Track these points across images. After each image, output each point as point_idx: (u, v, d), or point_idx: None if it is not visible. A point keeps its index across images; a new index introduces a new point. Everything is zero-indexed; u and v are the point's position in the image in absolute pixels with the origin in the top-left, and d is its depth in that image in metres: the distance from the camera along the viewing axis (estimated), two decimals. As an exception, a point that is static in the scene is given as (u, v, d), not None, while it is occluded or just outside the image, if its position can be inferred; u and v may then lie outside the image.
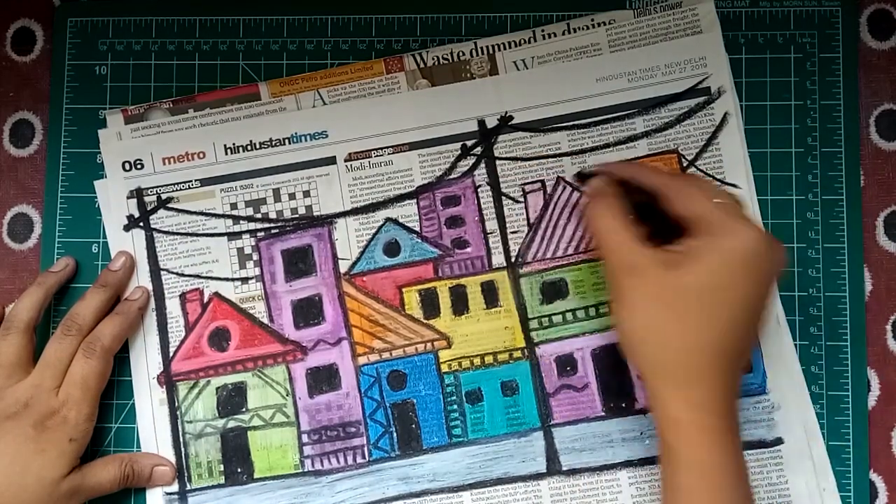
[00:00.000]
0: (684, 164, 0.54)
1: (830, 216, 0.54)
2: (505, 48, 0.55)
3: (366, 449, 0.53)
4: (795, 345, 0.53)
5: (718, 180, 0.54)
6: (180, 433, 0.53)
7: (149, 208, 0.55)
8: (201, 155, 0.55)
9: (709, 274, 0.42)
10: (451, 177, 0.55)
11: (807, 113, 0.55)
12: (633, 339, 0.44)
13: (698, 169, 0.54)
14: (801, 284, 0.54)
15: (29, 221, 0.56)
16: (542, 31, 0.55)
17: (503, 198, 0.55)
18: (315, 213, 0.55)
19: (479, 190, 0.55)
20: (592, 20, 0.55)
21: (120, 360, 0.54)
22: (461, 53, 0.55)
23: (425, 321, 0.54)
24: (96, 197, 0.55)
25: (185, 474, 0.53)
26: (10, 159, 0.56)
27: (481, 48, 0.55)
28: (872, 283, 0.54)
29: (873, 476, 0.53)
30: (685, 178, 0.46)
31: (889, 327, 0.54)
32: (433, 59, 0.55)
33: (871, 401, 0.54)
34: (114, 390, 0.54)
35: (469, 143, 0.55)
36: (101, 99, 0.56)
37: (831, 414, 0.53)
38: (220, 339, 0.54)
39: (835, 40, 0.55)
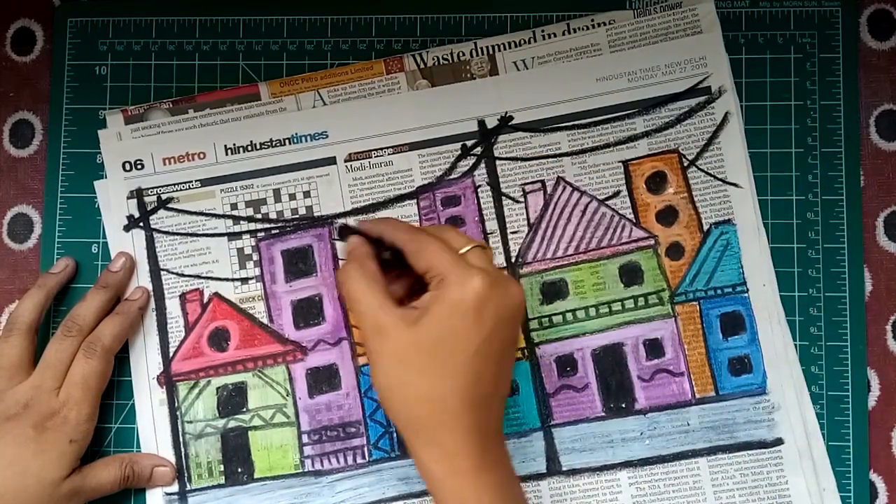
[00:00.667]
0: (685, 164, 0.54)
1: (830, 216, 0.54)
2: (505, 48, 0.55)
3: (366, 449, 0.53)
4: (795, 345, 0.53)
5: (720, 180, 0.54)
6: (180, 433, 0.54)
7: (149, 208, 0.55)
8: (201, 155, 0.55)
9: (439, 326, 0.43)
10: (452, 177, 0.55)
11: (807, 113, 0.55)
12: (383, 398, 0.45)
13: (699, 168, 0.54)
14: (801, 284, 0.54)
15: (29, 221, 0.56)
16: (542, 31, 0.55)
17: (503, 198, 0.55)
18: (315, 214, 0.55)
19: (479, 190, 0.55)
20: (592, 20, 0.55)
21: (120, 361, 0.54)
22: (461, 54, 0.55)
23: (425, 321, 0.54)
24: (96, 197, 0.55)
25: (186, 474, 0.53)
26: (10, 159, 0.57)
27: (481, 48, 0.55)
28: (872, 283, 0.54)
29: (873, 476, 0.53)
30: (428, 232, 0.46)
31: (889, 327, 0.54)
32: (433, 59, 0.55)
33: (871, 401, 0.54)
34: (114, 390, 0.54)
35: (469, 143, 0.55)
36: (101, 99, 0.56)
37: (831, 414, 0.53)
38: (219, 339, 0.54)
39: (835, 40, 0.55)
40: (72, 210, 0.55)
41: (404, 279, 0.47)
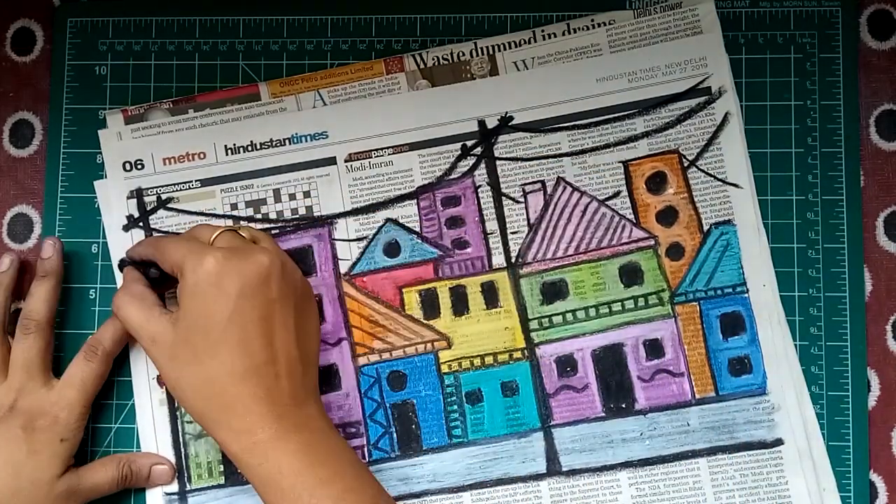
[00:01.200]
0: (685, 164, 0.54)
1: (830, 216, 0.54)
2: (505, 48, 0.55)
3: (366, 449, 0.53)
4: (795, 345, 0.53)
5: (720, 180, 0.54)
6: (180, 433, 0.53)
7: (148, 208, 0.55)
8: (202, 155, 0.55)
9: (187, 314, 0.46)
10: (452, 177, 0.55)
11: (807, 113, 0.55)
12: (176, 398, 0.47)
13: (699, 169, 0.54)
14: (801, 285, 0.54)
15: (29, 221, 0.56)
16: (543, 31, 0.55)
17: (503, 198, 0.55)
18: (315, 214, 0.55)
19: (479, 190, 0.55)
20: (592, 20, 0.55)
21: (119, 361, 0.53)
22: (461, 54, 0.55)
23: (425, 321, 0.54)
24: (96, 197, 0.55)
25: (185, 474, 0.53)
26: (10, 159, 0.56)
27: (481, 48, 0.55)
28: (872, 284, 0.54)
29: (873, 476, 0.53)
30: (174, 236, 0.50)
31: (889, 327, 0.54)
32: (433, 59, 0.55)
33: (871, 401, 0.54)
34: (113, 390, 0.54)
35: (469, 143, 0.55)
36: (101, 99, 0.56)
37: (831, 414, 0.53)
38: (220, 339, 0.54)
39: (835, 40, 0.55)
40: (72, 210, 0.55)
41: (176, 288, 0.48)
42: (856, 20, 0.55)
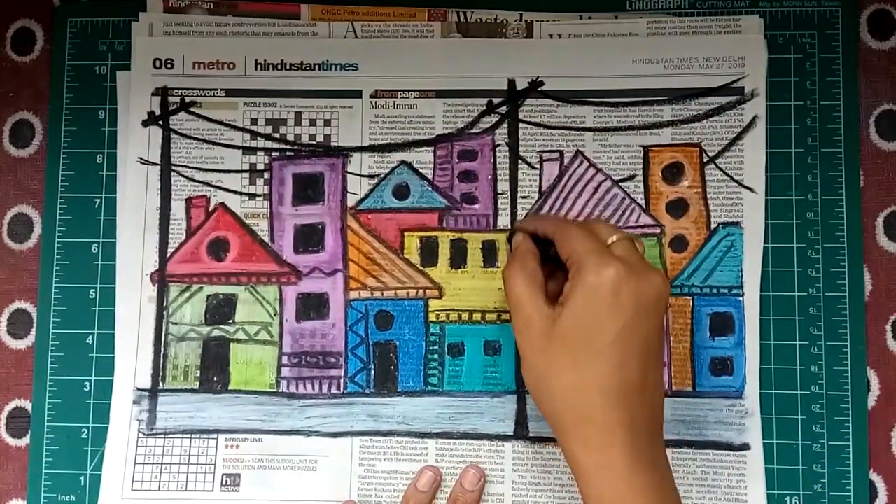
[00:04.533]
0: (704, 160, 0.54)
1: (830, 216, 0.54)
2: (545, 22, 0.55)
3: (342, 381, 0.54)
4: (795, 345, 0.53)
5: (736, 181, 0.54)
6: (163, 333, 0.54)
7: (171, 108, 0.55)
8: (231, 65, 0.55)
9: (575, 315, 0.44)
10: (472, 131, 0.55)
11: (807, 113, 0.54)
12: (531, 391, 0.46)
13: (717, 166, 0.54)
14: (801, 284, 0.54)
15: (29, 221, 0.56)
16: (590, 16, 0.55)
17: (520, 161, 0.55)
18: (332, 143, 0.55)
19: (497, 149, 0.55)
20: (641, 17, 0.55)
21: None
22: (505, 21, 0.55)
23: (421, 268, 0.54)
24: (96, 197, 0.55)
25: (160, 374, 0.54)
26: (10, 159, 0.57)
27: (526, 20, 0.55)
28: (872, 283, 0.54)
29: (873, 476, 0.53)
30: (576, 222, 0.47)
31: (889, 327, 0.54)
32: (476, 19, 0.55)
33: (871, 401, 0.54)
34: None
35: (496, 100, 0.55)
36: (101, 99, 0.56)
37: (831, 414, 0.53)
38: (218, 249, 0.55)
39: (835, 40, 0.55)
40: (72, 210, 0.55)
41: (564, 275, 0.46)
42: (856, 20, 0.55)
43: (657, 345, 0.45)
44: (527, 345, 0.45)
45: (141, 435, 0.53)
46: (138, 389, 0.54)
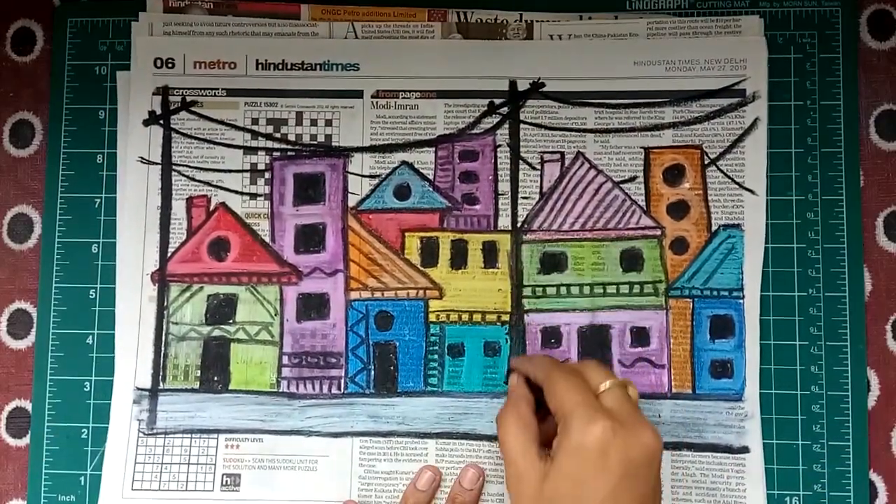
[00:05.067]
0: (705, 162, 0.54)
1: (830, 216, 0.54)
2: (545, 22, 0.55)
3: (342, 381, 0.54)
4: (795, 345, 0.53)
5: (737, 183, 0.54)
6: (163, 332, 0.54)
7: (172, 108, 0.55)
8: (232, 65, 0.55)
9: (562, 476, 0.42)
10: (474, 132, 0.55)
11: (807, 113, 0.54)
12: None
13: (718, 168, 0.54)
14: (801, 285, 0.54)
15: (29, 221, 0.56)
16: (590, 17, 0.55)
17: (521, 162, 0.55)
18: (333, 143, 0.55)
19: (498, 150, 0.55)
20: (641, 17, 0.55)
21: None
22: (505, 21, 0.55)
23: (422, 269, 0.54)
24: (96, 197, 0.55)
25: (161, 373, 0.54)
26: (10, 159, 0.56)
27: (526, 20, 0.55)
28: (872, 284, 0.54)
29: (873, 476, 0.53)
30: (568, 369, 0.46)
31: (889, 327, 0.54)
32: (477, 19, 0.55)
33: (871, 401, 0.54)
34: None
35: (497, 101, 0.55)
36: (101, 99, 0.56)
37: (831, 414, 0.53)
38: (219, 248, 0.55)
39: (835, 40, 0.55)
40: (72, 210, 0.55)
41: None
42: (856, 20, 0.55)
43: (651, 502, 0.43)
44: (518, 498, 0.44)
45: (141, 434, 0.53)
46: (139, 389, 0.54)
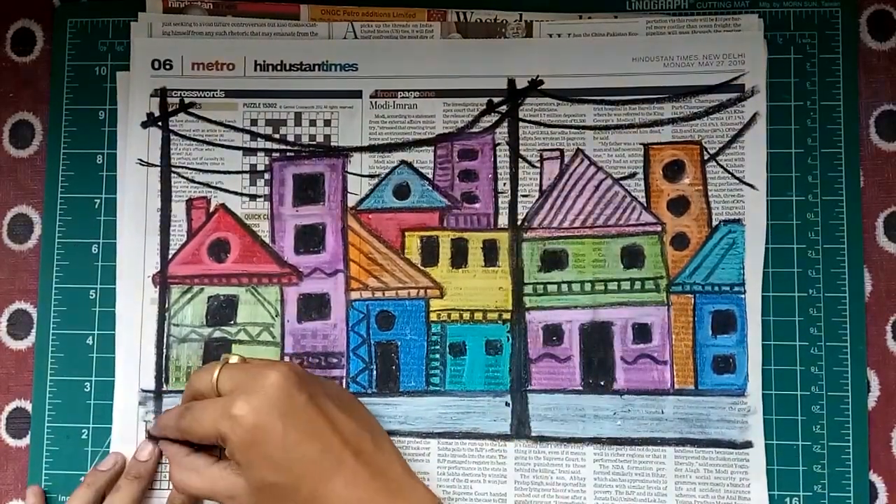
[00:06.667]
0: (705, 157, 0.54)
1: (830, 217, 0.54)
2: (545, 22, 0.55)
3: (344, 381, 0.54)
4: (795, 346, 0.53)
5: (737, 178, 0.54)
6: (165, 334, 0.54)
7: (170, 109, 0.55)
8: (231, 66, 0.55)
9: (247, 466, 0.45)
10: (473, 130, 0.55)
11: (807, 114, 0.54)
12: None
13: (718, 164, 0.54)
14: (801, 285, 0.54)
15: (29, 222, 0.56)
16: (589, 17, 0.55)
17: (520, 160, 0.55)
18: (332, 144, 0.55)
19: (497, 148, 0.55)
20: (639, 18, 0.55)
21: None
22: (504, 21, 0.55)
23: (422, 268, 0.54)
24: (96, 197, 0.55)
25: (164, 375, 0.54)
26: (10, 159, 0.57)
27: (526, 20, 0.55)
28: (872, 284, 0.54)
29: (873, 476, 0.53)
30: (180, 408, 0.49)
31: (889, 327, 0.54)
32: (476, 19, 0.55)
33: (871, 401, 0.54)
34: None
35: (496, 100, 0.55)
36: (101, 99, 0.56)
37: (831, 414, 0.53)
38: (219, 250, 0.55)
39: (835, 41, 0.55)
40: (72, 210, 0.55)
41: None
42: (856, 20, 0.55)
43: (324, 406, 0.46)
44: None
45: (147, 436, 0.53)
46: (143, 391, 0.54)
